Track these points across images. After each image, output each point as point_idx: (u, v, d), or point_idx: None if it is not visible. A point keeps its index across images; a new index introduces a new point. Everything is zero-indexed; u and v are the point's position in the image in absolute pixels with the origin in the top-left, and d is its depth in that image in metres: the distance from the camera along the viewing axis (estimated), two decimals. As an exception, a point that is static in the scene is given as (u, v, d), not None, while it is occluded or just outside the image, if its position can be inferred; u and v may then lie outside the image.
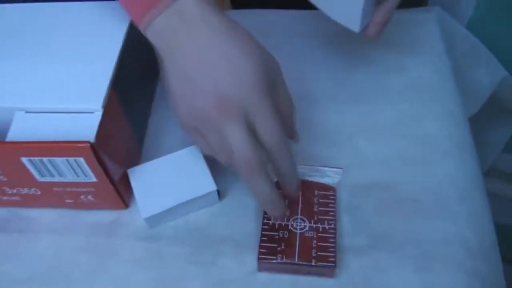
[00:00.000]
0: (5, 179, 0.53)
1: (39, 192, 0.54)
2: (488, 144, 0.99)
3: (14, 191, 0.55)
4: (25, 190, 0.54)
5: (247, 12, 0.75)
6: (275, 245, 0.51)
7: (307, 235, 0.51)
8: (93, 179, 0.51)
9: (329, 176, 0.57)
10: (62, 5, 0.60)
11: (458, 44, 0.77)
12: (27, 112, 0.51)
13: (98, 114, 0.50)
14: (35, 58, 0.55)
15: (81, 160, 0.48)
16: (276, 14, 0.75)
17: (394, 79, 0.66)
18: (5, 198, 0.56)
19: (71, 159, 0.48)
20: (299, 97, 0.61)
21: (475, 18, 0.85)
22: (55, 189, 0.54)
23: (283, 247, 0.51)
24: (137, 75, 0.61)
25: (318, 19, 0.72)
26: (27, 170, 0.50)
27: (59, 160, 0.49)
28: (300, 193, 0.55)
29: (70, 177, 0.51)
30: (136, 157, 0.60)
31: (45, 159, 0.49)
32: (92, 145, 0.47)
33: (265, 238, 0.51)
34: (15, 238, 0.56)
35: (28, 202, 0.57)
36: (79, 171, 0.50)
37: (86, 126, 0.49)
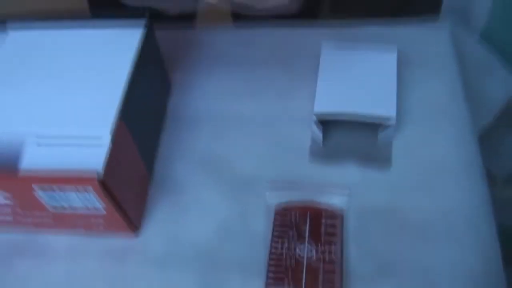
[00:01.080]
0: (18, 206, 0.54)
1: (51, 219, 0.55)
2: (505, 152, 0.98)
3: (27, 217, 0.56)
4: (37, 217, 0.55)
5: (251, 29, 0.75)
6: (282, 274, 0.51)
7: (314, 263, 0.52)
8: (103, 207, 0.52)
9: (336, 198, 0.57)
10: (71, 32, 0.61)
11: (471, 54, 0.77)
12: (37, 138, 0.52)
13: (107, 143, 0.50)
14: (44, 85, 0.56)
15: (90, 188, 0.49)
16: (280, 30, 0.75)
17: (403, 99, 0.65)
18: (18, 223, 0.57)
19: (80, 189, 0.49)
20: (306, 121, 0.62)
21: (489, 27, 0.84)
22: (67, 216, 0.54)
23: (290, 276, 0.51)
24: (146, 101, 0.62)
25: (331, 31, 0.73)
26: (39, 199, 0.51)
27: (69, 190, 0.50)
28: (308, 220, 0.55)
29: (80, 205, 0.52)
30: (145, 182, 0.61)
31: (56, 189, 0.50)
32: (100, 177, 0.48)
33: (272, 267, 0.52)
34: (28, 263, 0.57)
35: (40, 227, 0.58)
36: (89, 200, 0.51)
37: (95, 154, 0.50)
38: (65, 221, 0.56)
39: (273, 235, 0.55)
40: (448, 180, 0.59)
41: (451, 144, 0.62)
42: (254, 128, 0.65)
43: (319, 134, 0.62)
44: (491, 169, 1.00)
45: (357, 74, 0.63)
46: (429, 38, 0.72)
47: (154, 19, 0.61)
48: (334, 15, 0.92)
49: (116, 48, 0.58)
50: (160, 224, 0.59)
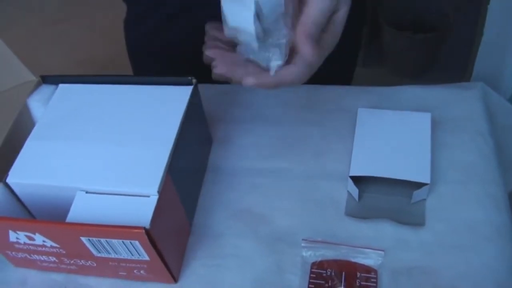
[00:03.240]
0: (64, 252, 0.57)
1: (95, 264, 0.58)
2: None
3: (72, 261, 0.58)
4: (82, 262, 0.58)
5: (295, 87, 0.77)
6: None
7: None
8: (146, 258, 0.54)
9: (371, 258, 0.59)
10: (122, 87, 0.64)
11: (501, 118, 0.79)
12: (87, 192, 0.55)
13: (154, 199, 0.53)
14: (96, 140, 0.59)
15: (136, 243, 0.52)
16: (323, 89, 0.78)
17: (436, 159, 0.67)
18: (63, 266, 0.60)
19: (126, 241, 0.52)
20: (341, 177, 0.64)
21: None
22: (110, 263, 0.57)
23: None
24: (190, 155, 0.65)
25: (366, 94, 0.75)
26: (85, 247, 0.54)
27: (115, 241, 0.52)
28: (343, 278, 0.57)
29: (124, 255, 0.54)
30: (186, 232, 0.63)
31: (102, 239, 0.52)
32: (147, 231, 0.50)
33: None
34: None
35: (84, 271, 0.60)
36: (133, 251, 0.53)
37: (142, 209, 0.52)
38: (108, 267, 0.58)
39: (308, 290, 0.57)
40: (479, 241, 0.60)
41: (483, 205, 0.63)
42: (290, 184, 0.67)
43: (355, 190, 0.64)
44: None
45: (392, 138, 0.65)
46: (462, 100, 0.74)
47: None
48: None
49: (164, 104, 0.62)
50: (198, 273, 0.61)
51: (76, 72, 1.90)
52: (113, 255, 0.55)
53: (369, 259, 0.59)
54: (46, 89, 0.67)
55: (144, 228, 0.50)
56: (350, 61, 0.97)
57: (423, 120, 0.67)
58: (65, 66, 2.14)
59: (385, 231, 0.62)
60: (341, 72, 0.95)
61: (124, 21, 0.90)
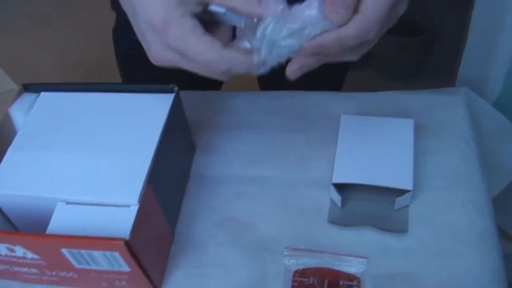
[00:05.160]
0: (45, 264, 0.56)
1: (76, 276, 0.58)
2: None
3: (53, 273, 0.58)
4: (63, 274, 0.58)
5: (279, 94, 0.78)
6: None
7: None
8: (127, 269, 0.54)
9: (354, 266, 0.58)
10: (104, 95, 0.64)
11: (486, 122, 0.79)
12: (67, 204, 0.55)
13: (134, 209, 0.53)
14: (77, 149, 0.59)
15: (116, 254, 0.51)
16: (307, 95, 0.77)
17: (419, 165, 0.67)
18: (44, 278, 0.60)
19: (107, 252, 0.51)
20: (324, 184, 0.64)
21: (504, 94, 0.86)
22: (92, 274, 0.57)
23: None
24: (172, 164, 0.65)
25: (350, 100, 0.75)
26: (66, 258, 0.54)
27: (96, 253, 0.52)
28: (325, 286, 0.56)
29: (105, 266, 0.54)
30: (168, 241, 0.63)
31: (83, 251, 0.52)
32: (127, 242, 0.50)
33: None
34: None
35: (65, 282, 0.60)
36: (114, 263, 0.53)
37: (123, 220, 0.52)
38: (90, 278, 0.58)
39: (291, 299, 0.56)
40: (463, 248, 0.60)
41: (467, 211, 0.63)
42: (274, 191, 0.67)
43: (338, 197, 0.64)
44: (505, 228, 1.01)
45: (375, 144, 0.65)
46: (446, 106, 0.74)
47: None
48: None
49: (146, 112, 0.61)
50: (180, 283, 0.61)
51: (65, 75, 1.90)
52: (94, 267, 0.55)
53: (352, 267, 0.58)
54: (28, 97, 0.66)
55: (124, 239, 0.49)
56: (341, 65, 0.97)
57: (406, 127, 0.67)
58: (54, 69, 2.13)
59: (368, 238, 0.62)
60: (332, 77, 0.95)
61: (113, 30, 0.90)
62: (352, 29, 0.47)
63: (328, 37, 0.47)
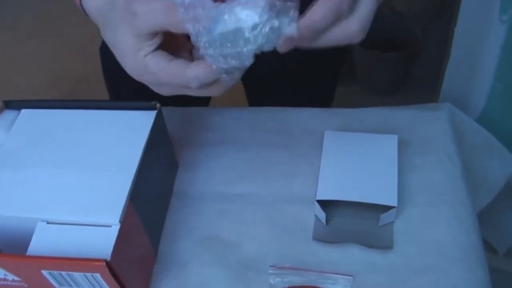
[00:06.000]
0: (26, 286, 0.55)
1: (57, 297, 0.57)
2: (505, 227, 0.99)
3: (34, 294, 0.57)
4: (44, 295, 0.57)
5: (263, 110, 0.78)
6: None
7: None
8: (109, 289, 0.53)
9: (339, 284, 0.58)
10: (85, 112, 0.63)
11: (470, 137, 0.79)
12: (48, 223, 0.54)
13: (116, 229, 0.52)
14: (57, 167, 0.58)
15: (98, 275, 0.50)
16: (291, 112, 0.77)
17: (403, 181, 0.67)
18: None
19: (88, 274, 0.50)
20: (309, 201, 0.64)
21: (487, 109, 0.87)
22: (73, 295, 0.56)
23: None
24: (154, 181, 0.64)
25: (334, 116, 0.75)
26: (47, 280, 0.53)
27: (76, 274, 0.51)
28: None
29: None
30: (150, 261, 0.62)
31: (63, 272, 0.51)
32: (108, 263, 0.49)
33: None
34: None
35: (46, 304, 0.59)
36: (95, 284, 0.52)
37: (104, 240, 0.51)
38: (71, 300, 0.57)
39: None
40: (448, 263, 0.60)
41: (451, 227, 0.63)
42: (258, 208, 0.66)
43: (322, 214, 0.63)
44: (491, 242, 1.01)
45: (359, 161, 0.65)
46: (429, 122, 0.74)
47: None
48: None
49: (128, 130, 0.61)
50: (163, 303, 0.60)
51: (49, 90, 1.88)
52: (75, 288, 0.54)
53: (337, 284, 0.58)
54: (9, 114, 0.65)
55: (105, 260, 0.49)
56: (331, 81, 0.97)
57: (390, 143, 0.67)
58: (37, 85, 2.12)
59: (354, 255, 0.62)
60: (320, 92, 0.95)
61: (100, 48, 0.89)
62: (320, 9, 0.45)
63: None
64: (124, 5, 0.48)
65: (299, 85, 0.90)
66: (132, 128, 0.61)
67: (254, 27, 0.44)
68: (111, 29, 0.51)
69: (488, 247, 1.03)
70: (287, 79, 0.89)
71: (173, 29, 0.46)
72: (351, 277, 0.58)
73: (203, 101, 0.95)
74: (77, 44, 2.12)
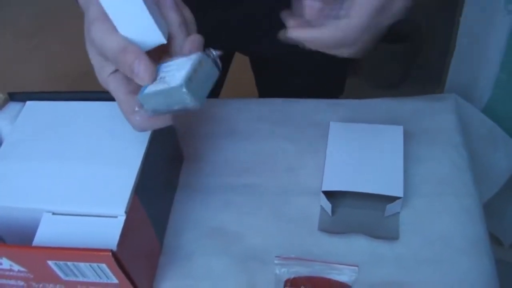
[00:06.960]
0: (32, 276, 0.55)
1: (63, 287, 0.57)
2: (510, 219, 0.99)
3: (41, 285, 0.57)
4: (50, 286, 0.56)
5: (268, 101, 0.78)
6: None
7: None
8: (115, 280, 0.53)
9: (345, 274, 0.58)
10: (90, 104, 0.63)
11: (475, 128, 0.79)
12: (53, 214, 0.54)
13: (121, 219, 0.52)
14: (63, 159, 0.58)
15: (104, 266, 0.50)
16: (296, 103, 0.77)
17: (409, 172, 0.67)
18: (31, 290, 0.59)
19: (94, 264, 0.50)
20: (314, 192, 0.64)
21: (493, 100, 0.86)
22: (79, 286, 0.56)
23: None
24: (160, 174, 0.64)
25: (339, 108, 0.75)
26: (53, 271, 0.53)
27: (82, 265, 0.51)
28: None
29: (93, 278, 0.53)
30: (156, 252, 0.62)
31: (69, 263, 0.51)
32: (114, 254, 0.49)
33: None
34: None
35: (52, 295, 0.59)
36: (101, 274, 0.52)
37: (110, 231, 0.51)
38: (77, 290, 0.57)
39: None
40: (454, 254, 0.60)
41: (457, 218, 0.63)
42: (263, 200, 0.66)
43: (328, 205, 0.63)
44: (496, 234, 1.01)
45: (365, 151, 0.65)
46: (435, 112, 0.73)
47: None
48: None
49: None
50: (169, 294, 0.60)
51: (51, 85, 1.87)
52: (81, 279, 0.54)
53: (343, 275, 0.58)
54: (13, 106, 0.65)
55: (111, 250, 0.49)
56: (340, 72, 0.97)
57: (395, 133, 0.67)
58: (40, 80, 2.12)
59: (359, 245, 0.61)
60: (332, 83, 0.95)
61: None
62: (328, 33, 0.48)
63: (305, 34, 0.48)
64: (87, 26, 0.49)
65: (310, 76, 0.90)
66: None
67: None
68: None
69: (493, 238, 1.03)
70: (298, 70, 0.89)
71: (120, 69, 0.48)
72: (356, 267, 0.58)
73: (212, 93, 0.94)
74: (79, 39, 2.12)
